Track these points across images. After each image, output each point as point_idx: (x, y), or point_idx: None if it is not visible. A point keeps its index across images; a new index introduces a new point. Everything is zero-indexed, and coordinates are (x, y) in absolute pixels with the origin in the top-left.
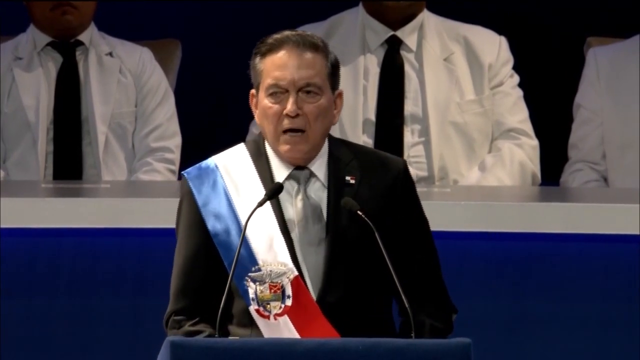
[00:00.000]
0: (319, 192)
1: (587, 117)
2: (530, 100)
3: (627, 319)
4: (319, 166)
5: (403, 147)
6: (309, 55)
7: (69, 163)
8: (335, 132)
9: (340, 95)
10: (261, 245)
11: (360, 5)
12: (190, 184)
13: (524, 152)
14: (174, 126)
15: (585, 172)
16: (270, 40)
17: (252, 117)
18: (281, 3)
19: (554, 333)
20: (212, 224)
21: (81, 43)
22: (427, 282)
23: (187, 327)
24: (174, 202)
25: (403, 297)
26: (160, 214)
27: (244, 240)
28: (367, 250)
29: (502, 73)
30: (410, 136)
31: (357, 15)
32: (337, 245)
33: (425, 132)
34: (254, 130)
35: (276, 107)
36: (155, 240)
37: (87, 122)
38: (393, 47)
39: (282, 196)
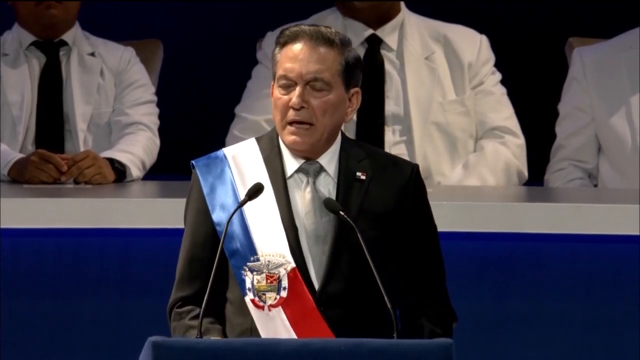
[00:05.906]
0: (328, 186)
1: (575, 115)
2: (513, 100)
3: (610, 319)
4: (330, 161)
5: (384, 147)
6: (322, 49)
7: None
8: None
9: (357, 93)
10: (262, 235)
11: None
12: (198, 172)
13: (508, 150)
14: (153, 116)
15: (568, 170)
16: (287, 31)
17: (233, 118)
18: (262, 3)
19: (537, 333)
20: (216, 213)
21: (65, 43)
22: (430, 287)
23: (187, 322)
24: (157, 202)
25: (385, 296)
26: (144, 214)
27: (246, 230)
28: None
29: (482, 72)
30: (391, 136)
31: (338, 15)
32: (343, 239)
33: (407, 132)
34: (235, 131)
35: (285, 98)
36: (139, 240)
37: (68, 122)
38: (373, 46)
39: (292, 188)
